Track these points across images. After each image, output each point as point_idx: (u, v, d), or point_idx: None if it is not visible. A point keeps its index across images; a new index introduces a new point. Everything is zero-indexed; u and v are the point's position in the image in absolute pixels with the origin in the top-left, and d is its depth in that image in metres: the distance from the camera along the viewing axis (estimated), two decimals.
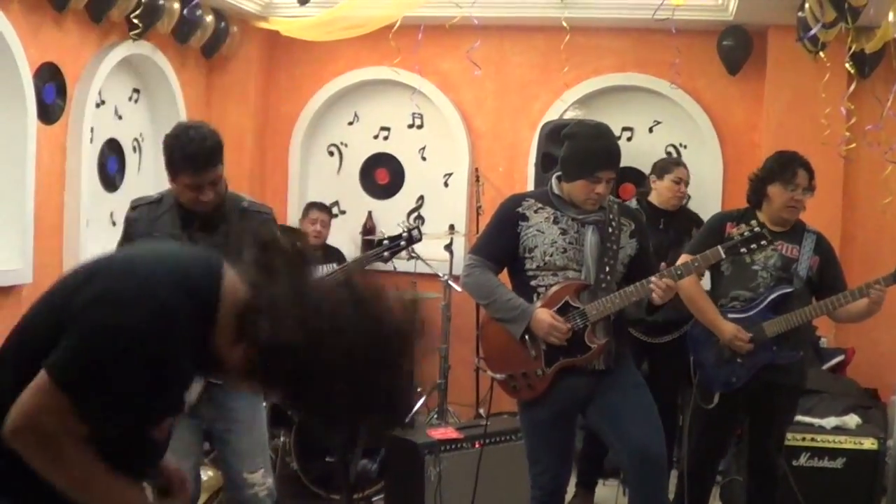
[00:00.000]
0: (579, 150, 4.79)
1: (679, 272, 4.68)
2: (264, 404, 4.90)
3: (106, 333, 2.34)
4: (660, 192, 7.01)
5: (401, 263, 8.12)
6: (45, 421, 2.35)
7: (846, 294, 5.29)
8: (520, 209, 4.84)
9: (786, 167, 5.47)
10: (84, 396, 2.34)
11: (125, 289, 2.39)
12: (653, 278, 4.64)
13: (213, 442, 4.84)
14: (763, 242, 4.78)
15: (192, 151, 4.38)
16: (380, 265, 7.23)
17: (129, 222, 4.86)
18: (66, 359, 2.36)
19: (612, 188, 5.08)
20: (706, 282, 5.79)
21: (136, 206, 4.89)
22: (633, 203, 6.89)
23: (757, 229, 4.77)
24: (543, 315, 4.70)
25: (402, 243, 4.83)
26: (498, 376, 4.92)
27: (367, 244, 9.02)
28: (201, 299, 2.37)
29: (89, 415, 2.36)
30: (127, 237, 4.85)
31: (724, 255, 4.83)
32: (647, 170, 7.60)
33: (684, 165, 7.19)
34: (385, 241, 4.82)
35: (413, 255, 7.83)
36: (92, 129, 7.33)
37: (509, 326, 4.80)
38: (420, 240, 4.90)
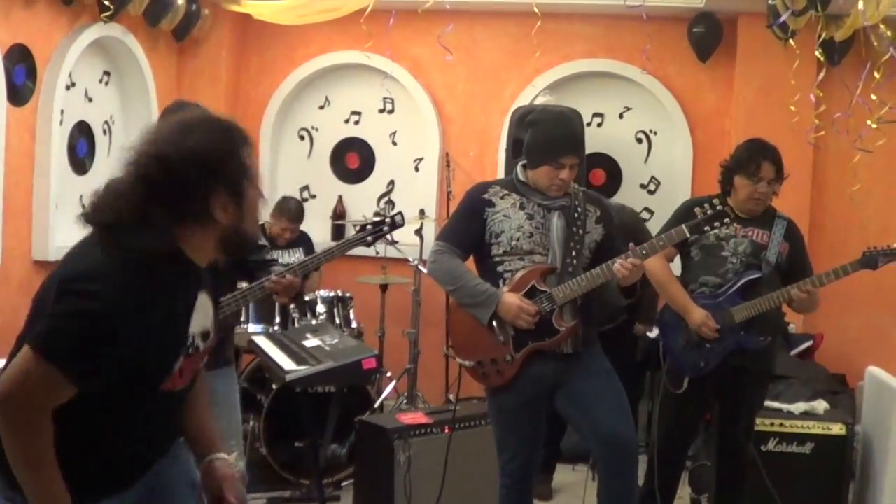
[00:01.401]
0: (542, 136, 4.80)
1: (644, 251, 4.67)
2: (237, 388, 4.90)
3: (79, 299, 2.47)
4: None
5: (370, 248, 8.11)
6: (29, 391, 2.41)
7: (812, 280, 5.30)
8: (486, 195, 4.83)
9: (750, 160, 5.46)
10: (68, 361, 2.44)
11: (90, 262, 2.54)
12: (618, 259, 4.64)
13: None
14: (726, 220, 4.76)
15: None
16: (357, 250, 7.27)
17: None
18: (46, 327, 2.46)
19: (583, 174, 5.09)
20: (676, 268, 5.80)
21: None
22: None
23: (719, 207, 4.76)
24: (511, 298, 4.70)
25: (385, 228, 4.82)
26: (467, 363, 4.91)
27: (338, 228, 9.01)
28: None
29: (78, 376, 2.46)
30: None
31: (688, 234, 4.82)
32: (617, 156, 7.62)
33: None
34: (368, 227, 4.80)
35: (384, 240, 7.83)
36: (62, 112, 7.29)
37: (476, 312, 4.79)
38: (402, 225, 4.90)
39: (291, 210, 8.12)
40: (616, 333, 6.47)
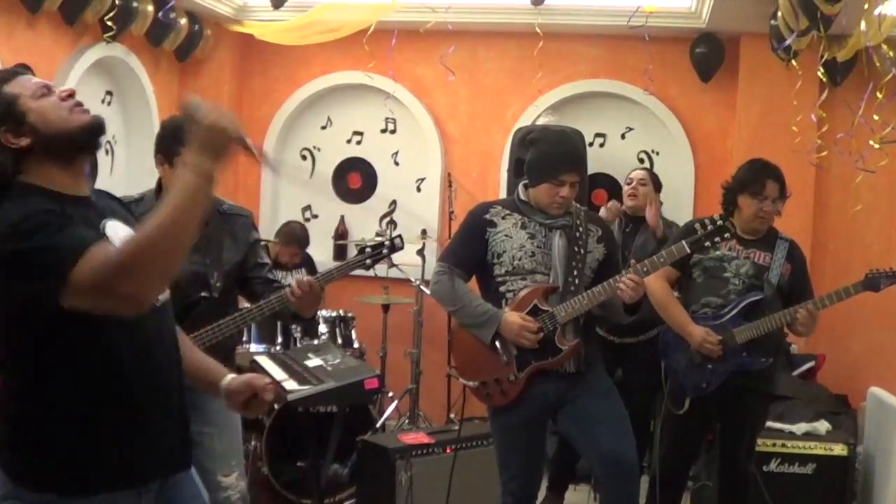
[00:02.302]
0: (543, 154, 4.81)
1: (645, 269, 4.67)
2: None
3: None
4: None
5: (372, 269, 8.11)
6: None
7: (815, 301, 5.29)
8: (487, 216, 4.84)
9: (755, 179, 5.47)
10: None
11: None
12: (619, 276, 4.64)
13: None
14: (727, 235, 4.76)
15: None
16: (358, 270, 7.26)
17: None
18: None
19: (585, 194, 5.10)
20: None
21: None
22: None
23: (719, 222, 4.76)
24: (513, 317, 4.69)
25: (385, 251, 4.81)
26: (470, 384, 4.90)
27: (339, 249, 9.01)
28: None
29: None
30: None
31: (688, 250, 4.80)
32: (619, 176, 7.63)
33: (640, 168, 7.23)
34: (367, 249, 4.80)
35: (386, 260, 7.82)
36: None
37: (479, 332, 4.79)
38: (402, 248, 4.89)
39: (298, 237, 8.19)
40: (647, 351, 6.42)
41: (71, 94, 2.83)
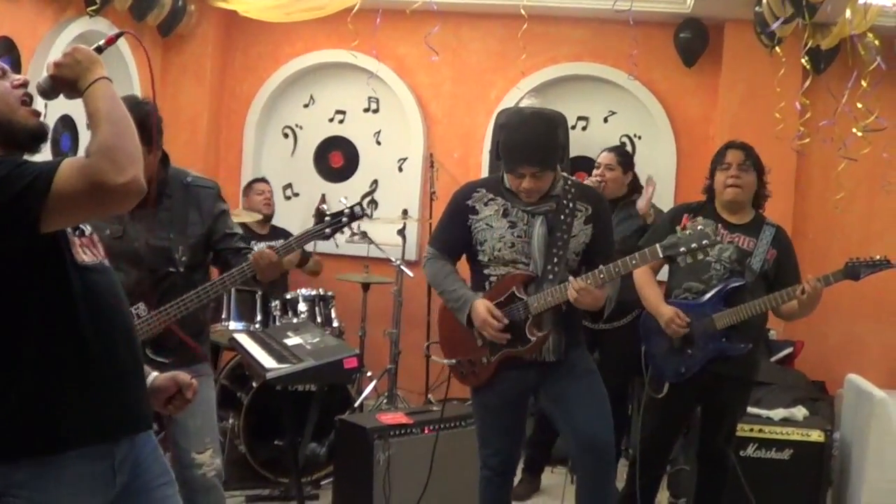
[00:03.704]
0: (503, 144, 4.73)
1: (602, 275, 4.55)
2: (213, 385, 4.87)
3: None
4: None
5: (353, 248, 8.13)
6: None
7: (794, 288, 5.29)
8: (469, 202, 4.81)
9: (719, 153, 5.56)
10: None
11: None
12: (571, 279, 4.58)
13: (163, 422, 4.81)
14: (705, 242, 4.63)
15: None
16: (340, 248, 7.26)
17: None
18: None
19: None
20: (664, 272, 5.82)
21: None
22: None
23: (700, 227, 4.71)
24: (480, 308, 4.69)
25: (345, 219, 4.76)
26: (445, 362, 4.93)
27: (319, 220, 8.99)
28: None
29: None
30: None
31: (661, 255, 4.76)
32: None
33: (608, 150, 7.16)
34: (327, 218, 4.76)
35: (366, 239, 7.83)
36: (46, 106, 7.19)
37: (457, 315, 4.81)
38: (363, 216, 4.84)
39: (256, 178, 8.46)
40: (623, 333, 6.43)
41: (24, 84, 2.85)
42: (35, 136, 2.81)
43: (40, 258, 2.69)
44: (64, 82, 2.82)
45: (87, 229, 2.94)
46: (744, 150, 5.52)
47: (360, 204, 4.82)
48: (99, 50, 2.94)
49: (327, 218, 4.75)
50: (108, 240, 4.79)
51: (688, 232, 4.65)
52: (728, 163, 5.47)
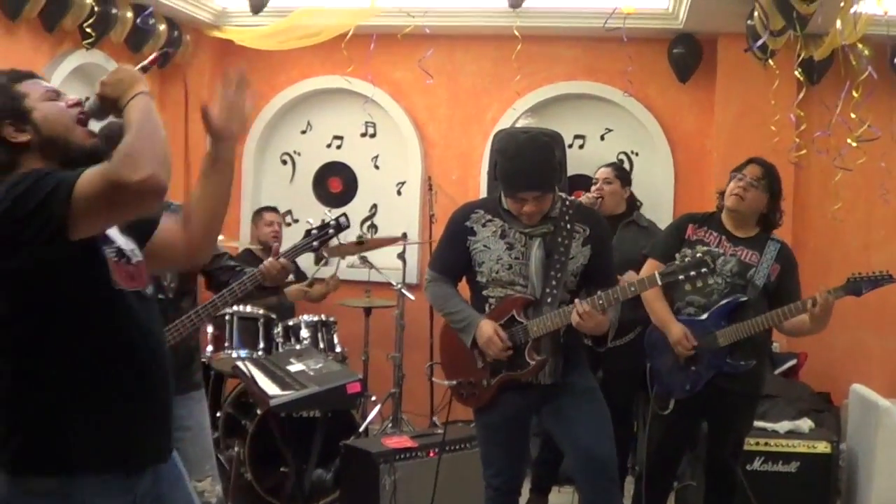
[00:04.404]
0: (502, 169, 4.73)
1: (601, 301, 4.55)
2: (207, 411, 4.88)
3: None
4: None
5: (354, 272, 8.15)
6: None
7: (796, 305, 5.27)
8: (468, 223, 4.82)
9: (742, 164, 5.56)
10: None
11: None
12: (577, 302, 4.57)
13: None
14: (704, 270, 4.64)
15: None
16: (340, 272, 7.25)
17: None
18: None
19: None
20: None
21: None
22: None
23: (699, 255, 4.69)
24: (486, 327, 4.70)
25: (331, 231, 4.82)
26: (447, 383, 4.93)
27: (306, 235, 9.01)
28: None
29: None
30: None
31: (660, 283, 4.76)
32: None
33: (605, 166, 7.23)
34: (314, 231, 4.81)
35: (367, 263, 7.84)
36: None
37: (461, 336, 4.82)
38: (348, 227, 4.90)
39: (267, 207, 8.42)
40: (626, 351, 6.43)
41: (78, 103, 2.95)
42: (91, 156, 2.84)
43: (79, 278, 2.76)
44: (109, 101, 2.90)
45: (134, 258, 3.00)
46: (765, 168, 5.51)
47: (344, 215, 4.88)
48: (144, 70, 3.02)
49: (314, 231, 4.80)
50: None
51: (687, 259, 4.65)
52: (744, 174, 5.47)
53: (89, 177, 2.59)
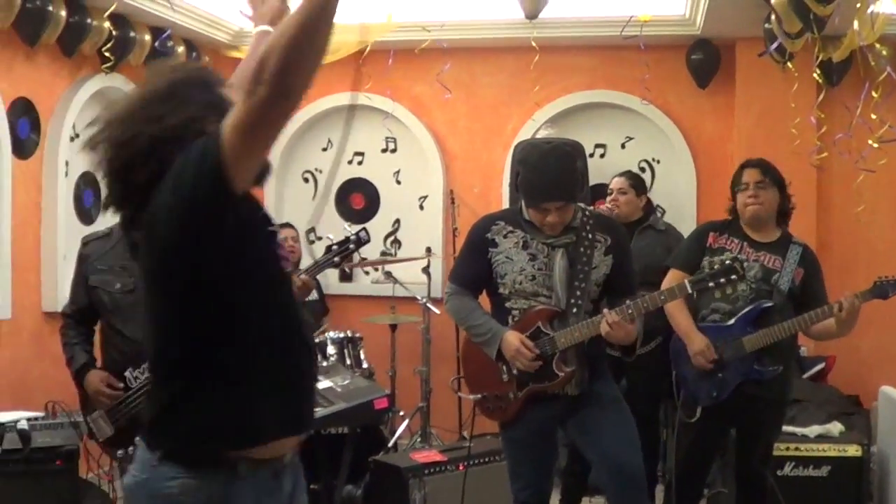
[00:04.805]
0: (524, 180, 4.74)
1: (630, 310, 4.56)
2: None
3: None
4: None
5: (379, 288, 8.16)
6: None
7: (823, 309, 5.25)
8: (489, 234, 4.81)
9: (736, 174, 5.58)
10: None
11: None
12: (605, 311, 4.58)
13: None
14: (734, 277, 4.71)
15: None
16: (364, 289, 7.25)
17: (82, 259, 5.12)
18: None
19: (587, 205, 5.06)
20: None
21: (87, 241, 5.17)
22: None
23: (728, 262, 4.71)
24: (512, 338, 4.69)
25: (352, 246, 4.84)
26: (472, 397, 4.92)
27: (343, 270, 9.02)
28: None
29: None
30: (80, 273, 5.11)
31: (690, 290, 4.78)
32: None
33: (619, 175, 7.23)
34: (334, 247, 4.82)
35: (391, 279, 7.86)
36: (67, 163, 7.32)
37: (485, 349, 4.80)
38: (368, 241, 4.91)
39: (283, 223, 8.37)
40: (651, 359, 6.41)
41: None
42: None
43: (263, 257, 2.78)
44: None
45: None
46: (760, 167, 5.52)
47: (364, 229, 4.89)
48: None
49: (334, 247, 4.82)
50: (119, 294, 4.90)
51: (716, 266, 4.67)
52: (745, 183, 5.47)
53: (229, 118, 2.53)
